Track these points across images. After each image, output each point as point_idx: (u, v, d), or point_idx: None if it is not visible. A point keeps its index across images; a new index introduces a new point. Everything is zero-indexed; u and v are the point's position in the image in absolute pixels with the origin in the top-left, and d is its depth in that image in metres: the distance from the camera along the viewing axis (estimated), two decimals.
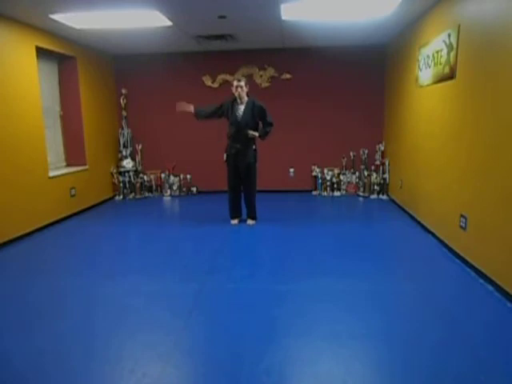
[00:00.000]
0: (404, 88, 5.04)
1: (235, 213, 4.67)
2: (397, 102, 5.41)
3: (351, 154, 6.29)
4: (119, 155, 6.43)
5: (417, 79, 4.46)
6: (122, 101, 6.38)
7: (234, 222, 4.65)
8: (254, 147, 4.47)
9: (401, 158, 5.30)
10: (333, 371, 1.98)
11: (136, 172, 6.47)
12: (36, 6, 3.72)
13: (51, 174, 4.80)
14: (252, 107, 4.34)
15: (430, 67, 4.02)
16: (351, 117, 6.21)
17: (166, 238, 4.27)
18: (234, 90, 4.32)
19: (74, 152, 5.54)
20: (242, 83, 4.28)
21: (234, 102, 4.37)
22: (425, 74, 4.17)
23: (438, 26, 3.81)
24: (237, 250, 3.83)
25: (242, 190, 4.61)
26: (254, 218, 4.65)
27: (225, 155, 4.48)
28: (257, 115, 4.36)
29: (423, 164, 4.32)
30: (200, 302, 2.77)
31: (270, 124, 4.39)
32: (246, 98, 4.36)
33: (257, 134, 4.36)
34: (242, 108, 4.35)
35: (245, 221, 4.68)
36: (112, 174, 6.32)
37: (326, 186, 6.28)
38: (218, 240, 4.16)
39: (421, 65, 4.30)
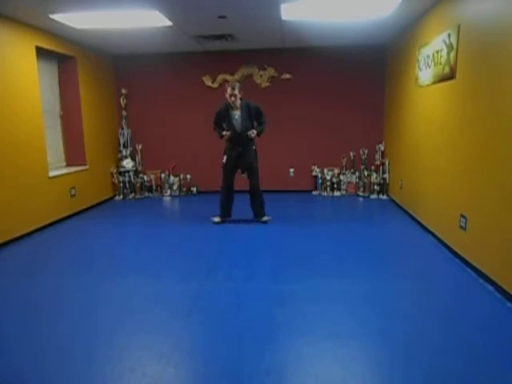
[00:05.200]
0: (404, 88, 5.04)
1: (226, 213, 4.66)
2: (397, 102, 5.41)
3: (351, 154, 6.29)
4: (119, 155, 6.43)
5: (417, 79, 4.45)
6: (121, 101, 6.37)
7: (218, 220, 4.65)
8: (253, 148, 4.49)
9: (401, 157, 5.30)
10: (333, 371, 1.98)
11: (136, 172, 6.47)
12: (36, 6, 3.72)
13: (51, 174, 4.80)
14: (248, 110, 4.36)
15: (430, 67, 4.02)
16: (351, 117, 6.21)
17: (166, 238, 4.27)
18: (227, 96, 4.32)
19: (74, 152, 5.54)
20: (236, 91, 4.28)
21: (227, 107, 4.38)
22: (425, 74, 4.17)
23: (438, 26, 3.81)
24: (237, 250, 3.83)
25: (249, 191, 4.60)
26: (264, 214, 4.64)
27: (224, 158, 4.47)
28: (254, 117, 4.41)
29: (423, 164, 4.32)
30: (200, 302, 2.76)
31: (265, 121, 4.46)
32: (239, 102, 4.36)
33: (255, 132, 4.38)
34: (238, 113, 4.37)
35: (233, 221, 4.69)
36: (112, 174, 6.32)
37: (326, 186, 6.28)
38: (218, 240, 4.16)
39: (421, 65, 4.30)
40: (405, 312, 2.56)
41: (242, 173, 4.60)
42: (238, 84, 4.35)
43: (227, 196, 4.60)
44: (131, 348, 2.23)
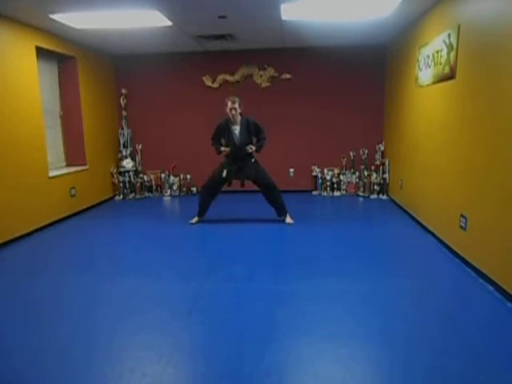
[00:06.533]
0: (404, 88, 5.04)
1: (203, 211, 4.67)
2: (397, 102, 5.41)
3: (351, 154, 6.29)
4: (119, 155, 6.43)
5: (417, 79, 4.45)
6: (121, 101, 6.37)
7: (195, 220, 4.66)
8: (252, 160, 4.49)
9: (401, 157, 5.30)
10: (333, 371, 1.98)
11: (136, 172, 6.47)
12: (36, 6, 3.72)
13: (51, 174, 4.80)
14: (247, 125, 4.36)
15: (430, 67, 4.02)
16: (351, 117, 6.21)
17: (166, 238, 4.27)
18: (228, 111, 4.31)
19: (74, 152, 5.54)
20: (236, 105, 4.28)
21: (228, 122, 4.38)
22: (425, 74, 4.17)
23: (438, 26, 3.81)
24: (237, 250, 3.82)
25: (265, 195, 4.59)
26: (286, 213, 4.63)
27: (224, 172, 4.42)
28: (253, 133, 4.42)
29: (423, 164, 4.32)
30: (200, 302, 2.76)
31: (264, 138, 4.47)
32: (239, 118, 4.37)
33: (254, 148, 4.38)
34: (237, 128, 4.37)
35: (233, 221, 4.68)
36: (112, 174, 6.32)
37: (326, 186, 6.28)
38: (218, 240, 4.17)
39: (421, 65, 4.30)
40: (405, 312, 2.56)
41: (242, 185, 4.61)
42: (237, 98, 4.35)
43: (211, 197, 4.61)
44: (131, 348, 2.23)
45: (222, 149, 4.43)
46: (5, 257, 3.79)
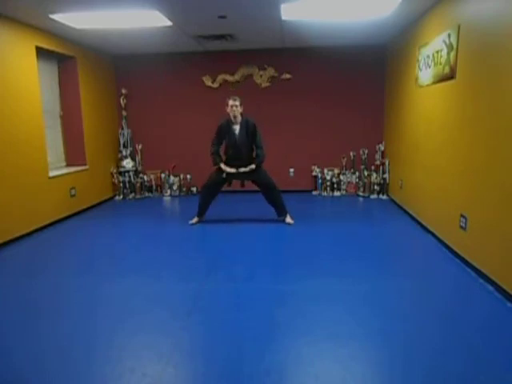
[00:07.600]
0: (404, 88, 5.04)
1: (203, 212, 4.65)
2: (397, 102, 5.41)
3: (351, 154, 6.29)
4: (119, 155, 6.43)
5: (417, 79, 4.46)
6: (121, 101, 6.37)
7: (195, 220, 4.65)
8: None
9: (401, 157, 5.30)
10: (333, 371, 1.98)
11: (136, 172, 6.47)
12: (36, 6, 3.72)
13: (51, 174, 4.80)
14: (246, 126, 4.35)
15: (430, 67, 4.02)
16: (351, 117, 6.21)
17: (166, 238, 4.27)
18: (229, 109, 4.29)
19: (74, 152, 5.54)
20: (237, 102, 4.27)
21: (228, 122, 4.37)
22: (425, 74, 4.18)
23: (438, 26, 3.81)
24: (237, 250, 3.82)
25: (265, 195, 4.59)
26: (286, 213, 4.62)
27: (224, 173, 4.43)
28: (250, 134, 4.37)
29: (423, 164, 4.32)
30: (200, 302, 2.76)
31: (261, 147, 4.38)
32: (240, 118, 4.36)
33: (254, 166, 4.36)
34: (237, 128, 4.36)
35: (232, 221, 4.68)
36: (112, 174, 6.32)
37: (326, 186, 6.28)
38: (218, 240, 4.17)
39: (421, 65, 4.30)
40: (405, 312, 2.56)
41: (242, 185, 4.62)
42: (238, 97, 4.34)
43: (211, 198, 4.59)
44: (131, 348, 2.23)
45: (222, 167, 4.38)
46: (5, 257, 3.79)
